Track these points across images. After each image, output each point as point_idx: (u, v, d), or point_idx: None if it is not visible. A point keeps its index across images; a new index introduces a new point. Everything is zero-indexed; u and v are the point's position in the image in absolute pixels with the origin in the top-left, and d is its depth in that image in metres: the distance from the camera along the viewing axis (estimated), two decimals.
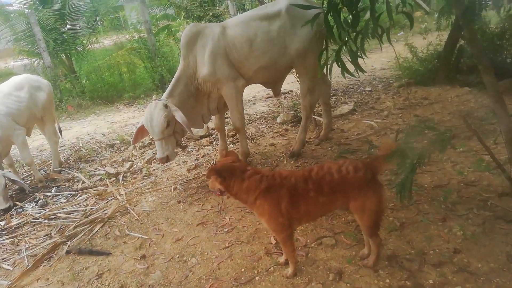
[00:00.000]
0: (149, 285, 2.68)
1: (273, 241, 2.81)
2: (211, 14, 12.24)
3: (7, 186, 4.18)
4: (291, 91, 7.84)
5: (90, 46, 11.58)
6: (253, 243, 2.87)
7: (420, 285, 2.11)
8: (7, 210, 4.12)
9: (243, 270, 2.58)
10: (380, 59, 9.09)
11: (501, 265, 2.21)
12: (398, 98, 6.07)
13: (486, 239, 2.46)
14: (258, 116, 6.30)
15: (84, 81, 9.90)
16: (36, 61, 11.61)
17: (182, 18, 14.16)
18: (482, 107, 4.72)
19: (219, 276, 2.58)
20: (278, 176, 2.19)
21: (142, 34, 10.28)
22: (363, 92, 6.80)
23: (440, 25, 6.98)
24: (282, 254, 2.62)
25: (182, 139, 4.04)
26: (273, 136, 5.27)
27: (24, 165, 5.37)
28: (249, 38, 3.83)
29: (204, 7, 13.47)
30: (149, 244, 3.22)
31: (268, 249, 2.75)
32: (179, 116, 3.70)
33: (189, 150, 5.22)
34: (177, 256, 2.96)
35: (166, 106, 3.72)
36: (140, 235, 3.35)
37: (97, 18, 12.17)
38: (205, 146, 5.34)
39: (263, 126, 5.79)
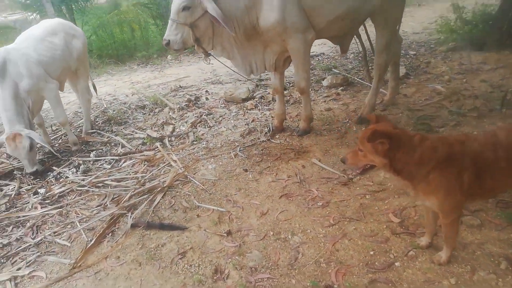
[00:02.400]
0: (251, 268, 2.29)
1: (395, 219, 2.42)
2: None
3: (35, 148, 3.63)
4: (323, 53, 7.30)
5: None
6: (367, 221, 2.48)
7: None
8: (35, 175, 3.61)
9: (371, 253, 2.19)
10: (408, 23, 8.53)
11: None
12: (450, 63, 5.64)
13: None
14: None
15: (90, 37, 9.08)
16: (32, 15, 10.68)
17: None
18: None
19: (342, 259, 2.19)
20: (457, 142, 1.74)
21: None
22: (407, 56, 6.32)
23: None
24: (412, 234, 2.25)
25: (209, 45, 3.38)
26: (325, 101, 4.82)
27: (52, 125, 4.82)
28: None
29: None
30: (229, 218, 2.81)
31: (393, 228, 2.36)
32: (210, 6, 3.06)
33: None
34: (271, 233, 2.57)
35: None
36: (214, 207, 2.93)
37: None
38: (249, 109, 4.86)
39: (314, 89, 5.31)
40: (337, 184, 3.00)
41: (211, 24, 3.26)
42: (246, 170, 3.43)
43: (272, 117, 4.50)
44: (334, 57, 6.84)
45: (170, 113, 4.93)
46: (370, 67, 5.14)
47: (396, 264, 2.08)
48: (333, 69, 5.88)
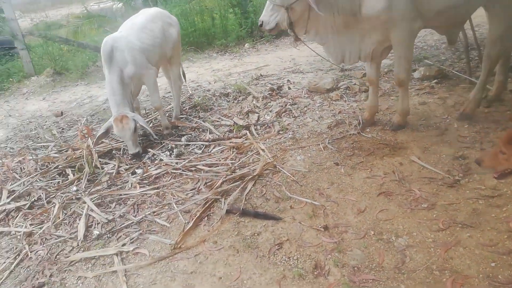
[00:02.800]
0: (353, 267, 2.21)
1: None
2: None
3: (138, 130, 3.85)
4: None
5: None
6: (483, 229, 2.27)
7: None
8: (136, 156, 3.82)
9: (492, 265, 2.00)
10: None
11: None
12: None
13: None
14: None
15: None
16: (118, 4, 11.31)
17: None
18: None
19: (458, 268, 2.03)
20: None
21: None
22: None
23: None
24: None
25: (303, 29, 3.28)
26: (418, 94, 4.51)
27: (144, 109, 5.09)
28: None
29: None
30: (324, 212, 2.74)
31: None
32: None
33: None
34: (372, 232, 2.46)
35: None
36: (308, 200, 2.88)
37: None
38: (335, 100, 4.71)
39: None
40: (442, 185, 2.78)
41: (307, 8, 3.18)
42: (337, 164, 3.32)
43: (360, 109, 4.33)
44: (423, 47, 6.38)
45: (254, 102, 4.95)
46: (471, 59, 4.72)
47: None
48: (424, 60, 5.49)
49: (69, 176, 3.67)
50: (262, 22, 3.26)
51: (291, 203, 2.90)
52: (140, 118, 3.76)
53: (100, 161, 3.89)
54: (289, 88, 5.30)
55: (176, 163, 3.69)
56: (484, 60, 3.57)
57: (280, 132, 4.07)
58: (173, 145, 4.02)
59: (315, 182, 3.12)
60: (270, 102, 4.89)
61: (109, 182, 3.55)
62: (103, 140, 4.11)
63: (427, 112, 4.00)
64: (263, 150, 3.69)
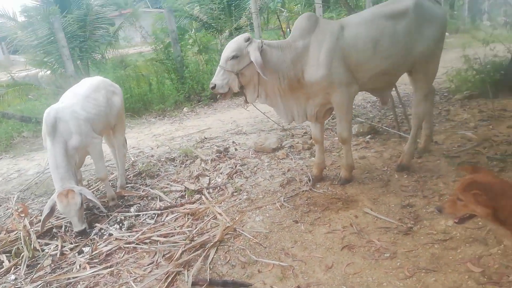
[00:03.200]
0: None
1: (475, 269, 2.37)
2: (234, 27, 11.88)
3: (83, 205, 3.60)
4: None
5: (107, 55, 11.03)
6: (445, 271, 2.42)
7: None
8: (82, 233, 3.53)
9: None
10: None
11: None
12: (470, 110, 5.80)
13: None
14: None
15: None
16: (43, 72, 10.96)
17: (193, 31, 13.80)
18: None
19: None
20: None
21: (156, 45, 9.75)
22: None
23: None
24: (497, 283, 2.19)
25: (255, 93, 3.50)
26: (356, 149, 4.86)
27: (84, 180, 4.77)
28: (374, 38, 3.44)
29: (222, 19, 13.15)
30: (293, 272, 2.72)
31: (476, 278, 2.30)
32: (254, 55, 3.23)
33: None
34: (344, 287, 2.48)
35: (248, 39, 3.33)
36: (275, 262, 2.85)
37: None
38: (281, 159, 4.88)
39: (335, 138, 5.38)
40: (397, 233, 2.95)
41: (256, 73, 3.41)
42: (296, 222, 3.38)
43: (306, 166, 4.53)
44: (354, 107, 7.00)
45: (203, 165, 4.93)
46: (397, 116, 5.28)
47: None
48: (356, 118, 6.01)
49: (3, 263, 3.24)
50: (215, 85, 3.40)
51: (258, 267, 2.84)
52: (87, 192, 3.54)
53: (39, 243, 3.51)
54: (236, 150, 5.40)
55: (128, 236, 3.47)
56: (413, 118, 4.02)
57: (234, 193, 4.07)
58: (122, 217, 3.79)
59: (278, 242, 3.12)
60: (219, 164, 4.91)
61: (52, 265, 3.20)
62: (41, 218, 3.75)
63: (368, 165, 4.31)
64: (220, 214, 3.64)
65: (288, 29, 12.58)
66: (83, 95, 3.83)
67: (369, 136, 5.24)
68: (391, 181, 3.85)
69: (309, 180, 4.07)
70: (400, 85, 6.56)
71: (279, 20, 11.42)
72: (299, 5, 15.42)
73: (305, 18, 3.52)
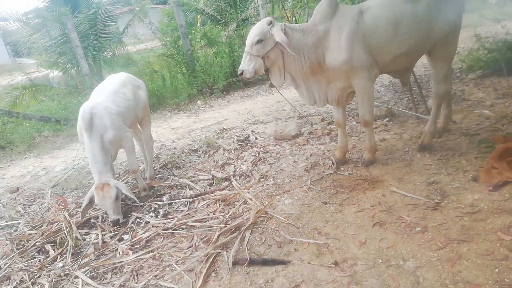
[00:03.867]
0: None
1: (506, 237, 2.49)
2: (241, 19, 11.92)
3: (120, 198, 3.76)
4: None
5: (117, 52, 11.17)
6: (477, 241, 2.54)
7: None
8: (116, 223, 3.69)
9: (496, 271, 2.25)
10: None
11: None
12: (485, 89, 5.85)
13: None
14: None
15: None
16: (54, 73, 11.14)
17: (199, 24, 13.84)
18: None
19: (469, 279, 2.24)
20: None
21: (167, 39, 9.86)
22: None
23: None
24: None
25: (281, 76, 3.64)
26: (376, 132, 4.94)
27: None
28: (395, 20, 3.52)
29: (229, 12, 13.18)
30: (328, 249, 2.86)
31: (507, 246, 2.42)
32: (279, 35, 3.37)
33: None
34: (380, 260, 2.62)
35: (271, 22, 3.47)
36: (310, 240, 2.99)
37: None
38: (302, 145, 5.00)
39: (353, 123, 5.48)
40: (426, 209, 3.07)
41: (281, 55, 3.55)
42: (325, 203, 3.51)
43: (328, 150, 4.64)
44: None
45: (226, 154, 5.08)
46: (414, 98, 5.36)
47: None
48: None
49: (49, 253, 3.43)
50: (243, 71, 3.54)
51: (294, 246, 2.99)
52: (123, 186, 3.69)
53: (79, 233, 3.69)
54: (256, 138, 5.53)
55: (165, 223, 3.63)
56: (433, 98, 4.10)
57: (261, 179, 4.21)
58: (156, 206, 3.96)
59: (310, 222, 3.26)
60: (241, 152, 5.05)
61: (96, 252, 3.37)
62: (78, 210, 3.93)
63: (389, 147, 4.41)
64: (250, 199, 3.78)
65: (293, 18, 12.61)
66: (112, 91, 3.97)
67: (386, 119, 5.34)
68: (413, 160, 3.96)
69: (333, 164, 4.19)
70: (416, 66, 6.62)
71: (284, 9, 11.44)
72: None
73: (325, 2, 3.61)
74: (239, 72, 3.56)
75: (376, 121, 5.36)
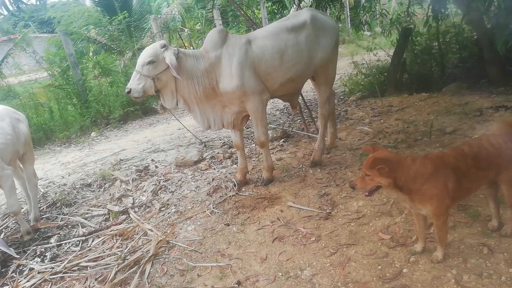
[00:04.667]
0: None
1: (385, 236, 2.77)
2: (136, 47, 11.69)
3: None
4: None
5: None
6: (362, 243, 2.78)
7: None
8: None
9: (379, 267, 2.47)
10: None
11: None
12: (364, 109, 6.60)
13: None
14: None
15: None
16: None
17: (90, 54, 13.22)
18: (455, 105, 5.44)
19: (357, 279, 2.43)
20: (437, 158, 2.21)
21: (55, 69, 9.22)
22: None
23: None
24: (404, 245, 2.61)
25: (173, 99, 3.66)
26: (272, 153, 5.20)
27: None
28: (280, 49, 3.81)
29: (123, 41, 12.85)
30: (232, 270, 2.86)
31: (387, 244, 2.69)
32: (169, 58, 3.42)
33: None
34: (280, 274, 2.70)
35: (164, 45, 3.53)
36: (212, 264, 2.96)
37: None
38: (204, 170, 5.00)
39: (253, 145, 5.68)
40: (319, 219, 3.29)
41: (173, 79, 3.57)
42: (228, 224, 3.53)
43: (230, 173, 4.72)
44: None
45: (124, 186, 4.81)
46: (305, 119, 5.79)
47: (404, 270, 2.38)
48: (269, 125, 6.40)
49: None
50: (130, 89, 3.49)
51: (197, 272, 2.92)
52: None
53: None
54: (156, 167, 5.36)
55: (52, 267, 3.26)
56: (319, 118, 4.49)
57: (162, 209, 4.07)
58: (43, 249, 3.54)
59: (213, 246, 3.23)
60: (141, 183, 4.83)
61: None
62: None
63: (285, 165, 4.65)
64: (150, 229, 3.62)
65: (191, 47, 12.78)
66: None
67: (282, 140, 5.65)
68: (307, 176, 4.23)
69: (234, 186, 4.26)
70: (304, 92, 7.18)
71: (182, 39, 11.57)
72: (199, 23, 15.81)
73: (216, 31, 3.78)
74: (126, 91, 3.50)
75: (273, 142, 5.64)
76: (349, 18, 16.96)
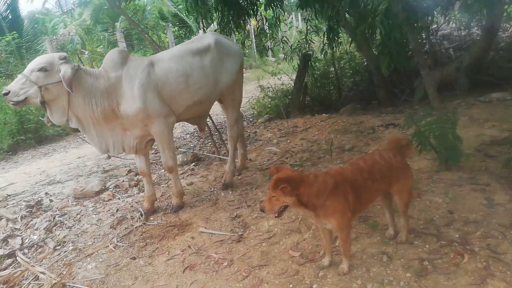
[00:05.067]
0: None
1: (295, 254, 2.79)
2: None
3: None
4: None
5: None
6: (274, 263, 2.76)
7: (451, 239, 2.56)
8: None
9: (291, 286, 2.47)
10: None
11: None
12: (272, 130, 6.83)
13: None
14: None
15: None
16: None
17: None
18: (352, 124, 5.90)
19: None
20: (336, 173, 2.30)
21: None
22: None
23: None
24: (313, 260, 2.67)
25: (64, 115, 3.38)
26: (183, 177, 5.05)
27: None
28: (185, 72, 3.75)
29: (12, 63, 11.66)
30: None
31: (297, 261, 2.71)
32: (64, 70, 3.18)
33: (90, 204, 4.42)
34: None
35: (64, 58, 3.28)
36: None
37: None
38: (108, 201, 4.63)
39: (161, 171, 5.46)
40: (231, 243, 3.21)
41: (67, 94, 3.29)
42: (134, 258, 3.27)
43: (136, 202, 4.44)
44: (175, 139, 7.22)
45: (10, 225, 4.19)
46: (215, 142, 5.75)
47: (314, 286, 2.42)
48: (179, 149, 6.24)
49: None
50: (9, 92, 3.12)
51: None
52: None
53: None
54: (51, 201, 4.81)
55: None
56: (229, 140, 4.49)
57: (57, 247, 3.63)
58: None
59: (118, 283, 2.95)
60: (32, 220, 4.27)
61: None
62: None
63: (197, 189, 4.53)
64: (43, 273, 3.18)
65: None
66: None
67: (193, 163, 5.53)
68: (219, 199, 4.16)
69: (142, 215, 4.00)
70: (213, 115, 7.20)
71: (81, 61, 10.86)
72: (101, 46, 15.07)
73: (116, 51, 3.61)
74: (3, 92, 3.13)
75: (183, 166, 5.49)
76: (254, 43, 17.70)
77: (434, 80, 3.57)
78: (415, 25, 3.25)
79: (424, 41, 6.34)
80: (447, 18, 7.54)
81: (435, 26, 7.69)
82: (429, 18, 5.76)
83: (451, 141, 3.13)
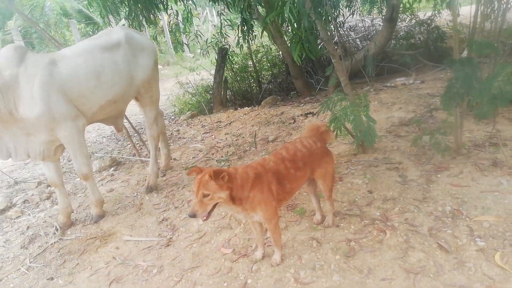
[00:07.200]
0: None
1: (227, 251, 2.74)
2: None
3: None
4: None
5: None
6: (206, 263, 2.68)
7: (373, 217, 2.71)
8: None
9: (225, 284, 2.42)
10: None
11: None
12: (195, 127, 6.69)
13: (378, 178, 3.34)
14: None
15: None
16: None
17: None
18: (273, 116, 6.01)
19: None
20: (258, 164, 2.28)
21: None
22: None
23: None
24: (245, 255, 2.64)
25: None
26: (102, 184, 4.72)
27: None
28: (96, 69, 3.45)
29: None
30: None
31: (230, 258, 2.66)
32: None
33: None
34: None
35: None
36: None
37: None
38: (16, 218, 4.14)
39: (77, 179, 5.03)
40: (160, 248, 3.06)
41: None
42: (51, 278, 2.96)
43: (49, 217, 4.03)
44: (90, 144, 6.72)
45: None
46: (135, 143, 5.45)
47: (249, 281, 2.39)
48: (94, 154, 5.81)
49: None
50: None
51: None
52: None
53: None
54: None
55: None
56: (149, 140, 4.26)
57: None
58: None
59: None
60: None
61: None
62: None
63: (118, 196, 4.25)
64: None
65: None
66: None
67: (112, 168, 5.19)
68: (143, 203, 3.94)
69: (57, 230, 3.64)
70: (130, 115, 6.83)
71: None
72: None
73: (11, 48, 3.22)
74: None
75: (102, 172, 5.13)
76: (170, 39, 17.18)
77: (345, 68, 3.74)
78: (322, 13, 3.37)
79: (333, 32, 6.67)
80: (351, 10, 8.06)
81: (342, 19, 8.14)
82: (335, 10, 6.08)
83: (366, 124, 3.31)
